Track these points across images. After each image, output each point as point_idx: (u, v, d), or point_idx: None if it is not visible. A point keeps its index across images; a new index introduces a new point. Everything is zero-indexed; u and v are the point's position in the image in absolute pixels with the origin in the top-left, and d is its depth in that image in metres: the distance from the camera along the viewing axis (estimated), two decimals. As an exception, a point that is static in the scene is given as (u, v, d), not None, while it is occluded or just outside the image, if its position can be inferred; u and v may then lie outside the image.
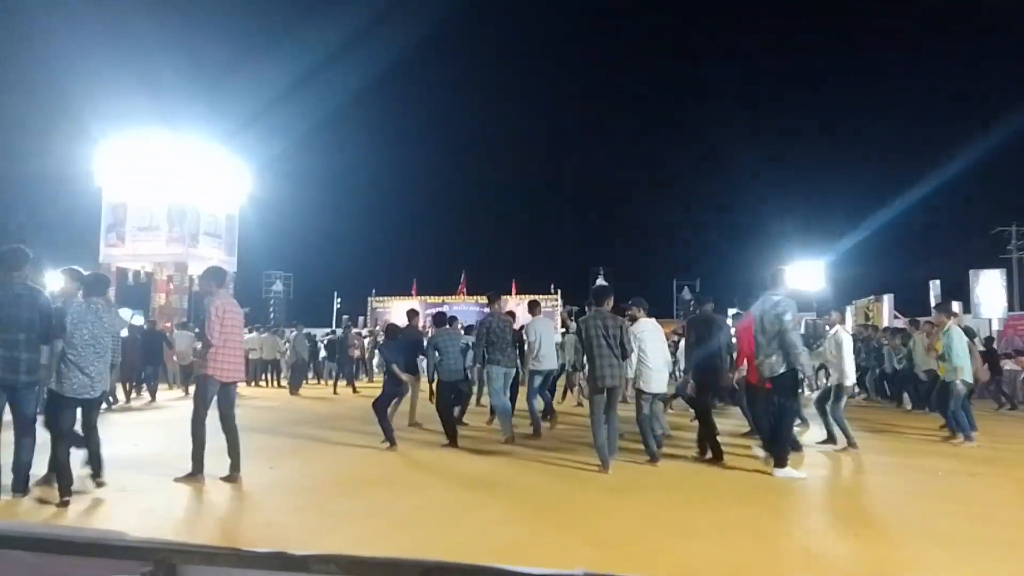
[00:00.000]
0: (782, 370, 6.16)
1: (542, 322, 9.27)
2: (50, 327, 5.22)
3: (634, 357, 6.69)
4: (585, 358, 6.74)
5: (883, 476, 6.62)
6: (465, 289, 39.00)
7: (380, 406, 7.87)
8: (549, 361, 8.88)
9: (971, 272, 19.70)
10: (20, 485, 5.13)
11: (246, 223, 28.18)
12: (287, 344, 18.07)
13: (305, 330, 18.55)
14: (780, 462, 6.19)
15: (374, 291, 38.77)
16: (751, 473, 6.31)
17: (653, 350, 6.84)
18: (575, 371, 10.57)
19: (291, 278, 36.31)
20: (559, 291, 38.14)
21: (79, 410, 5.38)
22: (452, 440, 7.79)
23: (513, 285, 38.86)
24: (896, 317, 19.76)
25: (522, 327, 9.75)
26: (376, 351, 17.87)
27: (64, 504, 5.00)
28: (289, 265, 37.54)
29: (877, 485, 6.33)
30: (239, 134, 28.25)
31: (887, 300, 20.57)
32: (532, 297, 30.43)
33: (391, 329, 9.06)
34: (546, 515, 4.96)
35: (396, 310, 38.05)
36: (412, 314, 9.93)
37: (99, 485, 5.45)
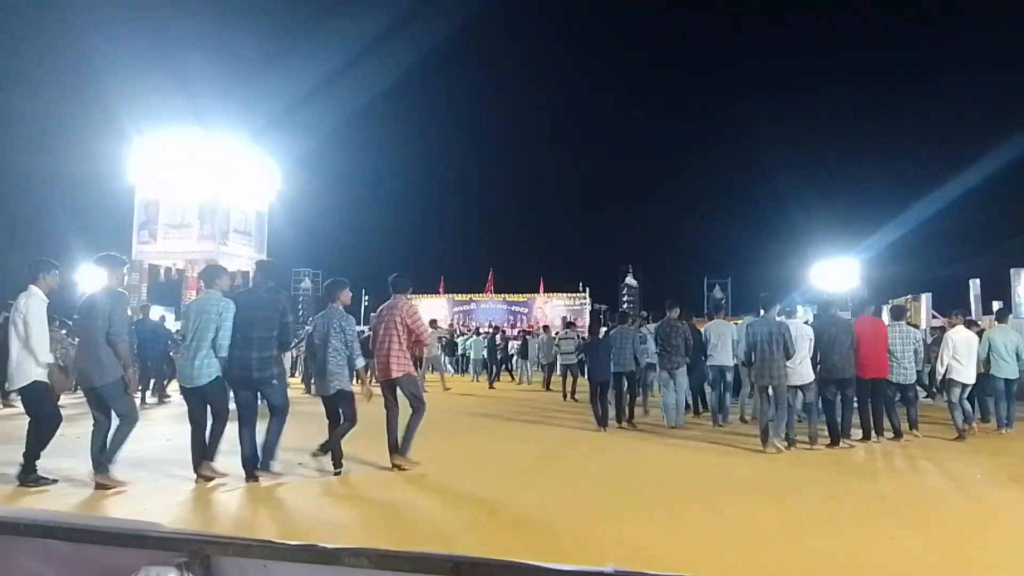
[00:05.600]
0: None
1: (719, 324, 10.23)
2: (287, 328, 5.82)
3: (797, 357, 7.60)
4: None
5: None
6: (493, 287, 39.05)
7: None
8: (722, 358, 9.78)
9: (1012, 271, 19.11)
10: (266, 462, 5.65)
11: (275, 220, 28.57)
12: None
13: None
14: None
15: (402, 289, 38.92)
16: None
17: (966, 354, 8.40)
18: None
19: (319, 275, 36.64)
20: (587, 289, 38.06)
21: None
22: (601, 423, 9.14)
23: (541, 283, 38.84)
24: (934, 317, 19.31)
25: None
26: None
27: (337, 474, 5.91)
28: (317, 262, 37.93)
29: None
30: (269, 132, 28.60)
31: (924, 299, 20.12)
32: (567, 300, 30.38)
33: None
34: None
35: (424, 308, 38.28)
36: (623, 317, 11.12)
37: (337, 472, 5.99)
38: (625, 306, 36.55)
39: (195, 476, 5.61)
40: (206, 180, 24.69)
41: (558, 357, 14.44)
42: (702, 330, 10.36)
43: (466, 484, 5.89)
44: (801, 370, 7.68)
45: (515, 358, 20.57)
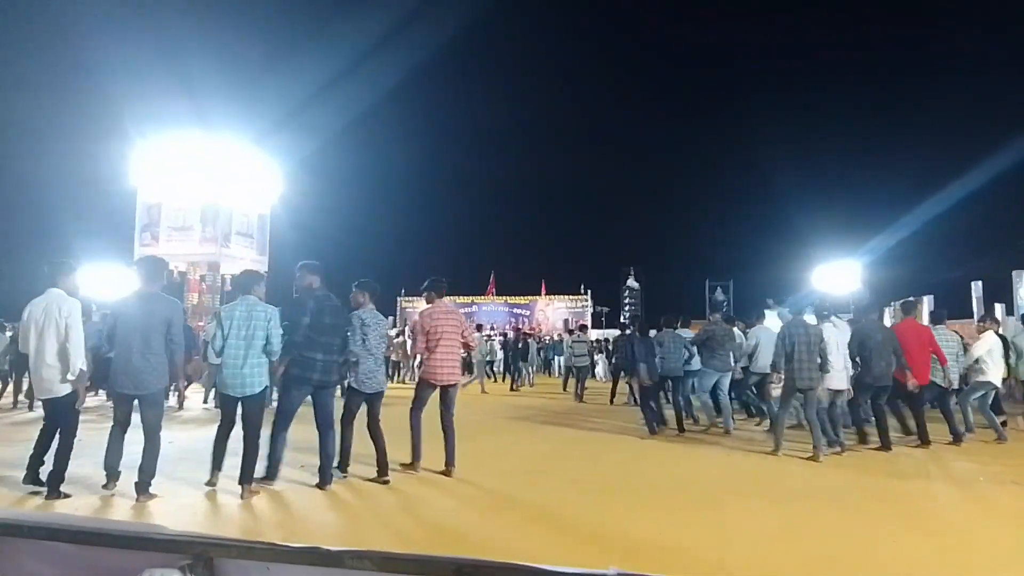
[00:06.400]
0: None
1: (764, 329, 9.76)
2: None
3: (839, 362, 7.53)
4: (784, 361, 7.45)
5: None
6: (494, 289, 39.06)
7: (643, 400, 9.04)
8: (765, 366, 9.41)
9: (1015, 273, 19.07)
10: (327, 476, 5.64)
11: (277, 223, 28.52)
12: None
13: None
14: None
15: (403, 291, 38.99)
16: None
17: (999, 357, 8.54)
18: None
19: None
20: (589, 291, 38.06)
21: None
22: (652, 431, 8.74)
23: (543, 286, 38.86)
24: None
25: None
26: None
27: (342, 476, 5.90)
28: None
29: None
30: (271, 134, 28.65)
31: (926, 302, 20.07)
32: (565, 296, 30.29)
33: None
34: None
35: (425, 310, 38.12)
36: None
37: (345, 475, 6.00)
38: (627, 308, 36.53)
39: (203, 479, 5.62)
40: (208, 183, 24.68)
41: (572, 359, 14.50)
42: (748, 333, 10.04)
43: (472, 484, 5.88)
44: (842, 375, 7.65)
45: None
